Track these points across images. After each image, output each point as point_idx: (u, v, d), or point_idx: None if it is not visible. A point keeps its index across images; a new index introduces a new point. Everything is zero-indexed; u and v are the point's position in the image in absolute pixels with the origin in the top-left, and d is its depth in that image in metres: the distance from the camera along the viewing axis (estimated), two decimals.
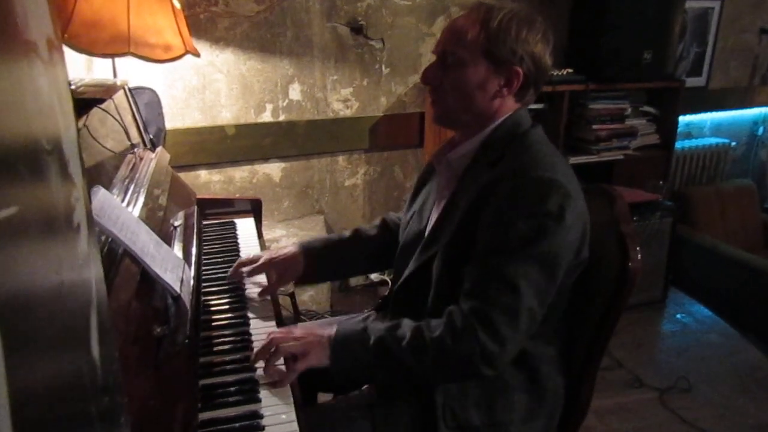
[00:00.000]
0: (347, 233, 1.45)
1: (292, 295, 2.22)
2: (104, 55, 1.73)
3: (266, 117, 2.46)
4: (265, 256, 1.36)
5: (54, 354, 0.31)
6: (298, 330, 1.10)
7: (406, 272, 1.19)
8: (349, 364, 1.06)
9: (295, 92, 2.48)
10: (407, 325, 1.05)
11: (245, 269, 1.36)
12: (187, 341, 1.00)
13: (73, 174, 0.35)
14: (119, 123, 1.47)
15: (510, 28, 1.07)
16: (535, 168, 1.04)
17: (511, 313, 0.99)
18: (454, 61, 1.11)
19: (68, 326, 0.33)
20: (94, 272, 0.40)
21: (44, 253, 0.29)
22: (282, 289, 1.95)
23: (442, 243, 1.11)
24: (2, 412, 0.25)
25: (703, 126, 3.46)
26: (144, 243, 1.05)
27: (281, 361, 1.07)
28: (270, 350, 1.06)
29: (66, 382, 0.32)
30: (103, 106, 1.35)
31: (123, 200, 1.21)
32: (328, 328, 1.08)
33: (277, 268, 1.35)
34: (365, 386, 1.30)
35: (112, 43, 1.67)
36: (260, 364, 1.08)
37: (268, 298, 1.33)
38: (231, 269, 1.37)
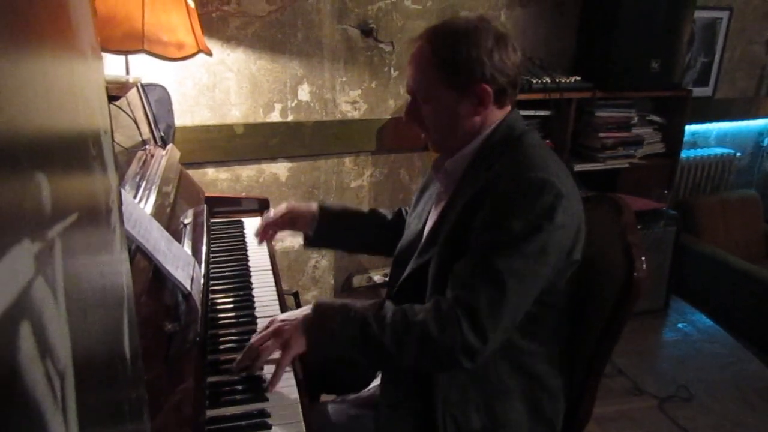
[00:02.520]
0: (365, 209, 1.53)
1: (296, 295, 2.23)
2: (118, 52, 1.74)
3: (275, 117, 2.47)
4: (286, 204, 1.49)
5: (99, 345, 0.32)
6: (277, 322, 1.08)
7: (405, 274, 1.20)
8: (327, 347, 1.07)
9: (303, 93, 2.49)
10: (389, 307, 1.05)
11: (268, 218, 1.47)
12: (197, 339, 1.01)
13: (111, 178, 0.36)
14: (132, 120, 1.48)
15: (460, 51, 1.06)
16: (528, 169, 1.05)
17: (495, 307, 1.00)
18: (423, 98, 1.13)
19: (108, 321, 0.34)
20: (124, 272, 0.41)
21: (92, 251, 0.31)
22: (286, 288, 1.96)
23: (438, 245, 1.12)
24: (70, 401, 0.26)
25: (708, 136, 3.47)
26: (156, 240, 1.07)
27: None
28: (251, 357, 1.06)
29: (106, 372, 0.34)
30: (117, 103, 1.37)
31: (135, 197, 1.22)
32: (305, 311, 1.08)
33: (293, 215, 1.46)
34: (370, 387, 1.31)
35: (126, 40, 1.68)
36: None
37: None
38: (258, 232, 1.48)
